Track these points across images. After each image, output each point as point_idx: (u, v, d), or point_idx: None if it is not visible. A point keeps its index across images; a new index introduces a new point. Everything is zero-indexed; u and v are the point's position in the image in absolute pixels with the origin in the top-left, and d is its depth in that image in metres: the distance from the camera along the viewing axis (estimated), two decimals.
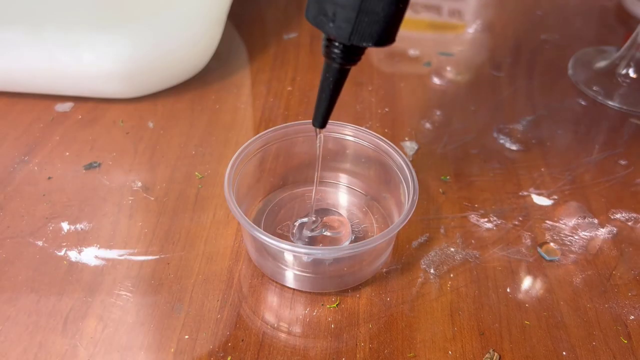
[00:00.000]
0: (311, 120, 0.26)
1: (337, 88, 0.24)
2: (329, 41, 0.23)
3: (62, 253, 0.30)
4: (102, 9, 0.37)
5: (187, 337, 0.26)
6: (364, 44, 0.22)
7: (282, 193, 0.34)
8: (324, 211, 0.32)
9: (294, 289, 0.29)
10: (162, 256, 0.30)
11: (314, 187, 0.30)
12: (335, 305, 0.28)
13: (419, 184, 0.28)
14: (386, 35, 0.22)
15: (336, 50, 0.23)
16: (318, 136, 0.27)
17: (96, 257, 0.30)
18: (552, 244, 0.32)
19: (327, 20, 0.21)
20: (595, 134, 0.41)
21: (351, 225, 0.32)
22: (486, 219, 0.33)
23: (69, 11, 0.37)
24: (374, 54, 0.49)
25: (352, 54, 0.23)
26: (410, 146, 0.38)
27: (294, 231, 0.31)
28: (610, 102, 0.44)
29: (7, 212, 0.32)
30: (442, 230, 0.32)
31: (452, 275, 0.30)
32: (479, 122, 0.41)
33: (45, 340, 0.26)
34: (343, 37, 0.21)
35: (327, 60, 0.23)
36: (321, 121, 0.26)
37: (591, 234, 0.32)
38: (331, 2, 0.21)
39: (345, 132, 0.32)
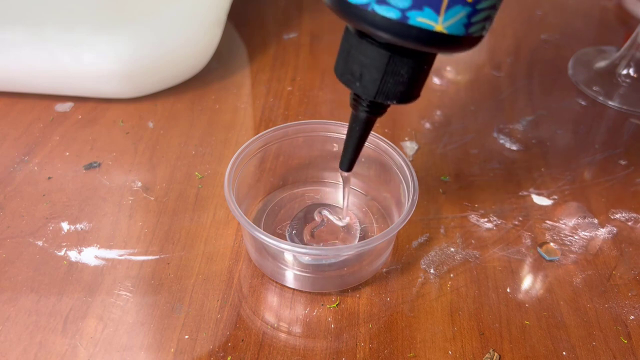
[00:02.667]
0: (340, 162, 0.27)
1: (363, 137, 0.25)
2: (356, 95, 0.24)
3: (62, 253, 0.30)
4: (103, 9, 0.37)
5: (187, 337, 0.26)
6: (389, 102, 0.23)
7: (282, 193, 0.34)
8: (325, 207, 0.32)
9: (294, 289, 0.29)
10: (162, 256, 0.30)
11: (344, 211, 0.31)
12: (335, 305, 0.28)
13: (419, 184, 0.28)
14: (410, 93, 0.23)
15: (363, 105, 0.24)
16: (344, 177, 0.29)
17: (96, 257, 0.30)
18: (552, 244, 0.32)
19: (353, 80, 0.22)
20: (595, 134, 0.41)
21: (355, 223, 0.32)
22: (486, 219, 0.33)
23: (69, 11, 0.37)
24: None
25: (378, 108, 0.24)
26: (410, 146, 0.38)
27: (293, 233, 0.31)
28: (610, 102, 0.44)
29: (7, 212, 0.32)
30: (442, 230, 0.32)
31: (452, 275, 0.30)
32: (479, 122, 0.41)
33: (45, 340, 0.26)
34: (369, 95, 0.22)
35: (354, 111, 0.24)
36: (348, 165, 0.27)
37: (591, 234, 0.32)
38: (358, 62, 0.22)
39: (345, 132, 0.32)
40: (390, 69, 0.21)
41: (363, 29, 0.20)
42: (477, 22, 0.20)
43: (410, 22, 0.19)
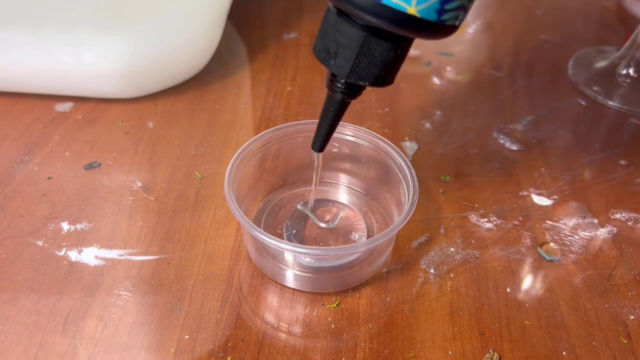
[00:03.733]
0: (312, 143, 0.27)
1: (337, 118, 0.26)
2: (333, 76, 0.24)
3: (62, 253, 0.30)
4: (103, 9, 0.37)
5: (187, 337, 0.26)
6: (361, 83, 0.23)
7: (282, 193, 0.34)
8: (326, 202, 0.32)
9: (294, 289, 0.29)
10: (162, 256, 0.30)
11: (311, 198, 0.31)
12: (335, 305, 0.28)
13: (419, 184, 0.28)
14: (383, 77, 0.23)
15: (338, 85, 0.24)
16: (316, 158, 0.29)
17: (96, 257, 0.30)
18: (552, 244, 0.32)
19: (329, 57, 0.23)
20: (595, 134, 0.41)
21: (354, 223, 0.32)
22: (486, 219, 0.33)
23: (69, 11, 0.37)
24: None
25: (352, 90, 0.24)
26: (410, 146, 0.38)
27: (294, 232, 0.31)
28: (610, 102, 0.44)
29: (7, 212, 0.32)
30: (442, 230, 0.32)
31: (452, 275, 0.30)
32: (479, 122, 0.41)
33: (45, 340, 0.26)
34: (342, 75, 0.23)
35: (330, 92, 0.25)
36: (319, 146, 0.27)
37: (591, 234, 0.32)
38: (335, 41, 0.22)
39: (345, 132, 0.32)
40: (364, 50, 0.22)
41: (340, 6, 0.21)
42: (450, 10, 0.20)
43: (384, 1, 0.20)
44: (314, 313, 0.28)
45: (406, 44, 0.23)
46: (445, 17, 0.21)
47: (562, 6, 0.58)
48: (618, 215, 0.34)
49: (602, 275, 0.30)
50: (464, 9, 0.21)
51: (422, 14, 0.20)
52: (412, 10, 0.20)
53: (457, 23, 0.21)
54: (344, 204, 0.33)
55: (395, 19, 0.20)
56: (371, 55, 0.22)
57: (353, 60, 0.22)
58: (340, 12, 0.22)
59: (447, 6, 0.20)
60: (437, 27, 0.21)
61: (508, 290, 0.29)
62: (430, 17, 0.20)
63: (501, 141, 0.39)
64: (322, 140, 0.27)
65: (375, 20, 0.20)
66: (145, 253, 0.30)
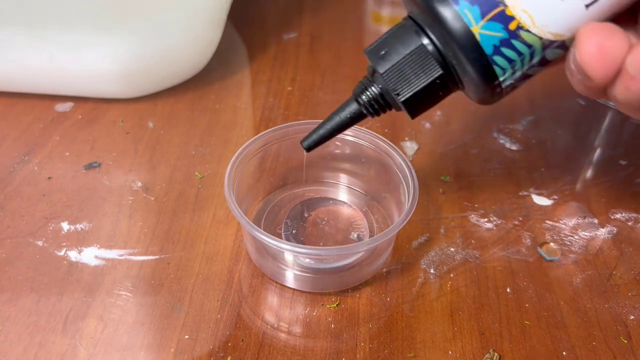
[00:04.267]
0: (304, 138, 0.27)
1: (342, 126, 0.26)
2: (369, 81, 0.25)
3: (62, 253, 0.30)
4: (103, 9, 0.37)
5: (187, 337, 0.26)
6: (387, 89, 0.24)
7: (282, 193, 0.34)
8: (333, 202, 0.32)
9: (294, 289, 0.29)
10: (162, 256, 0.30)
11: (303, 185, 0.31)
12: (335, 305, 0.28)
13: (419, 184, 0.28)
14: (409, 99, 0.24)
15: (369, 91, 0.25)
16: (305, 154, 0.29)
17: (96, 257, 0.30)
18: (552, 244, 0.32)
19: (376, 54, 0.24)
20: (595, 134, 0.41)
21: (354, 222, 0.32)
22: (486, 219, 0.33)
23: (69, 11, 0.37)
24: None
25: (377, 104, 0.25)
26: (410, 146, 0.38)
27: (294, 232, 0.31)
28: (610, 102, 0.44)
29: (7, 212, 0.32)
30: (442, 230, 0.32)
31: (452, 275, 0.30)
32: (479, 122, 0.41)
33: (45, 340, 0.26)
34: (380, 67, 0.24)
35: (355, 97, 0.25)
36: (311, 146, 0.27)
37: (591, 234, 0.32)
38: (391, 44, 0.24)
39: (345, 132, 0.32)
40: (409, 59, 0.23)
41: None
42: (504, 57, 0.21)
43: (458, 7, 0.21)
44: (314, 313, 0.28)
45: (447, 82, 0.23)
46: (497, 59, 0.21)
47: None
48: (618, 215, 0.34)
49: (602, 275, 0.30)
50: (513, 71, 0.22)
51: (482, 39, 0.21)
52: (475, 28, 0.21)
53: (501, 76, 0.22)
54: (345, 202, 0.33)
55: (456, 27, 0.21)
56: (411, 67, 0.23)
57: (395, 63, 0.23)
58: (410, 18, 0.23)
59: (504, 50, 0.21)
60: (485, 62, 0.21)
61: (508, 290, 0.29)
62: (486, 47, 0.21)
63: (501, 141, 0.39)
64: (316, 141, 0.27)
65: (440, 20, 0.21)
66: (145, 253, 0.30)
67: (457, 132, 0.40)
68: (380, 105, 0.25)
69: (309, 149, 0.27)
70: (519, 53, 0.21)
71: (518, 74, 0.23)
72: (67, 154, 0.37)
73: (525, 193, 0.35)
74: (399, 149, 0.30)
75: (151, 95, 0.42)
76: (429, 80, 0.23)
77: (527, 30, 0.21)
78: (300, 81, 0.45)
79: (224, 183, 0.28)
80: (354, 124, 0.26)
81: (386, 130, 0.40)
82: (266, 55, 0.48)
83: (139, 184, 0.34)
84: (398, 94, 0.24)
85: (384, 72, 0.23)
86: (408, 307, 0.28)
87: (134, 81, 0.40)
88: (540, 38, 0.21)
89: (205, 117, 0.40)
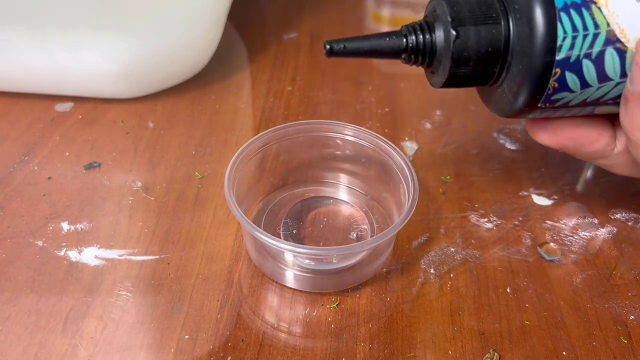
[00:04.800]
0: (330, 40, 0.25)
1: (377, 51, 0.24)
2: (427, 25, 0.24)
3: (62, 253, 0.30)
4: (103, 9, 0.37)
5: (187, 337, 0.26)
6: (444, 31, 0.23)
7: (282, 193, 0.34)
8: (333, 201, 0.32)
9: (294, 289, 0.29)
10: (162, 256, 0.30)
11: None
12: (335, 305, 0.28)
13: (419, 184, 0.28)
14: (458, 60, 0.23)
15: (422, 37, 0.24)
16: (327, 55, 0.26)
17: (96, 257, 0.30)
18: (552, 244, 0.32)
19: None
20: None
21: (355, 222, 0.32)
22: (486, 219, 0.33)
23: (69, 11, 0.37)
24: None
25: (419, 48, 0.24)
26: (410, 146, 0.38)
27: (294, 232, 0.31)
28: None
29: (7, 212, 0.32)
30: (442, 230, 0.32)
31: (452, 275, 0.30)
32: (479, 122, 0.41)
33: (45, 340, 0.26)
34: (449, 4, 0.23)
35: (404, 31, 0.24)
36: (334, 49, 0.24)
37: (591, 234, 0.32)
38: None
39: (345, 132, 0.32)
40: (479, 11, 0.23)
41: None
42: (570, 19, 0.21)
43: (560, 15, 0.21)
44: (314, 313, 0.28)
45: (501, 48, 0.23)
46: (563, 16, 0.21)
47: None
48: (618, 215, 0.34)
49: (602, 275, 0.30)
50: (572, 45, 0.22)
51: (560, 60, 0.22)
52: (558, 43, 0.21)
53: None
54: (345, 202, 0.33)
55: (542, 30, 0.21)
56: (480, 32, 0.23)
57: (467, 10, 0.23)
58: None
59: (572, 13, 0.21)
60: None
61: (508, 290, 0.29)
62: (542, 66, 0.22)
63: (501, 141, 0.39)
64: (342, 46, 0.24)
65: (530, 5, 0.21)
66: (145, 253, 0.30)
67: (457, 132, 0.40)
68: (421, 51, 0.24)
69: (331, 51, 0.24)
70: (584, 26, 0.21)
71: (573, 60, 0.22)
72: (67, 154, 0.37)
73: (525, 193, 0.35)
74: (399, 149, 0.30)
75: (151, 95, 0.42)
76: (489, 31, 0.23)
77: (599, 8, 0.21)
78: (300, 81, 0.45)
79: (224, 183, 0.28)
80: (385, 56, 0.25)
81: (386, 130, 0.40)
82: (266, 55, 0.48)
83: (139, 184, 0.34)
84: (449, 45, 0.23)
85: (451, 10, 0.23)
86: (408, 307, 0.28)
87: (134, 81, 0.40)
88: (608, 24, 0.21)
89: (205, 117, 0.40)
